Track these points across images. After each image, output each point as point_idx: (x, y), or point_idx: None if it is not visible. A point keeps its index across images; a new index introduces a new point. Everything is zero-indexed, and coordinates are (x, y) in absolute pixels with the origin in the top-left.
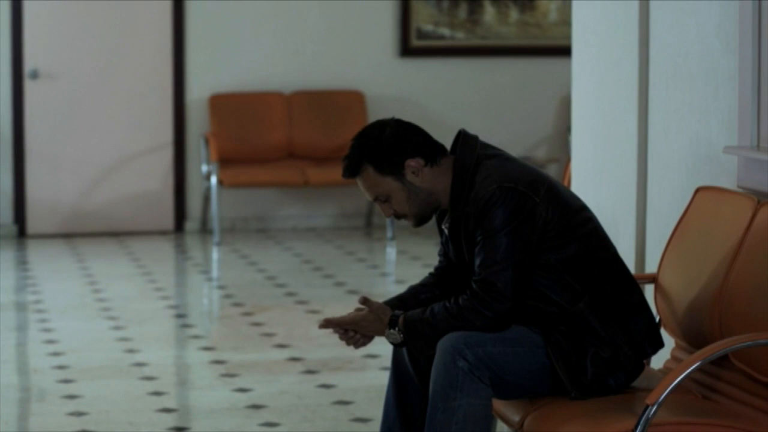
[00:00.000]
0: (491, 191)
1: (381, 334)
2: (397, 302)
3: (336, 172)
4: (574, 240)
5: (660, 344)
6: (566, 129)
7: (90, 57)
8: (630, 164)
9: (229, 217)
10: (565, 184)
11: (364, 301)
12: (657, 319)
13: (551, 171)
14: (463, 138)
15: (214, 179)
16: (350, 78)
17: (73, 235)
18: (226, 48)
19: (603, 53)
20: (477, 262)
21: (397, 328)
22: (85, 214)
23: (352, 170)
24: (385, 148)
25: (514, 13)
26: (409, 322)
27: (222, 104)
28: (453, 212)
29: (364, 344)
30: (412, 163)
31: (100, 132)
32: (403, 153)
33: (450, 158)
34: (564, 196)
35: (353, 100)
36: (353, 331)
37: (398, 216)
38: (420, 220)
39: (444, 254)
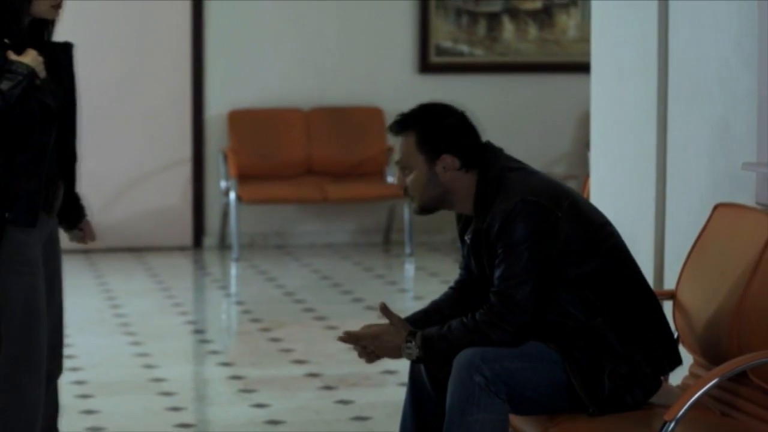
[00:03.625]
0: (514, 204)
1: (399, 349)
2: (419, 317)
3: (354, 189)
4: (595, 255)
5: (678, 362)
6: (585, 145)
7: (109, 73)
8: (649, 181)
9: (247, 232)
10: None
11: (384, 308)
12: (675, 336)
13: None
14: (489, 150)
15: (232, 195)
16: (369, 94)
17: (92, 250)
18: (245, 64)
19: (622, 70)
20: (496, 274)
21: (413, 343)
22: (104, 230)
23: (399, 127)
24: (437, 131)
25: (533, 30)
26: (427, 338)
27: (241, 120)
28: (476, 223)
29: (378, 357)
30: (447, 159)
31: (119, 147)
32: (447, 146)
33: (475, 171)
34: (587, 210)
35: (372, 116)
36: (370, 347)
37: (406, 193)
38: (423, 210)
39: (465, 267)
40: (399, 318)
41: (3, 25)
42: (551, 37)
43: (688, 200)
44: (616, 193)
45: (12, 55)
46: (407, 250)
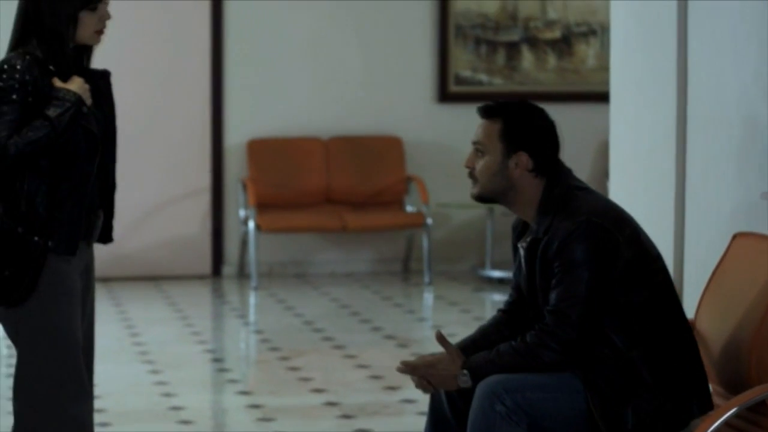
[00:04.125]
0: (578, 223)
1: (454, 378)
2: (467, 344)
3: (373, 218)
4: (646, 286)
5: (709, 407)
6: (604, 174)
7: (129, 102)
8: (668, 210)
9: (266, 261)
10: None
11: (440, 338)
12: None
13: None
14: (561, 165)
15: (251, 224)
16: (388, 123)
17: (111, 279)
18: (265, 93)
19: (641, 99)
20: (553, 294)
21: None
22: (123, 259)
23: (489, 111)
24: (524, 127)
25: (552, 60)
26: (475, 366)
27: (260, 149)
28: (534, 233)
29: (434, 388)
30: (523, 157)
31: (139, 176)
32: (527, 144)
33: (543, 179)
34: (645, 240)
35: (391, 145)
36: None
37: (471, 175)
38: (480, 196)
39: (515, 287)
40: (454, 347)
41: (49, 51)
42: (570, 67)
43: (706, 229)
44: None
45: (58, 82)
46: (426, 279)
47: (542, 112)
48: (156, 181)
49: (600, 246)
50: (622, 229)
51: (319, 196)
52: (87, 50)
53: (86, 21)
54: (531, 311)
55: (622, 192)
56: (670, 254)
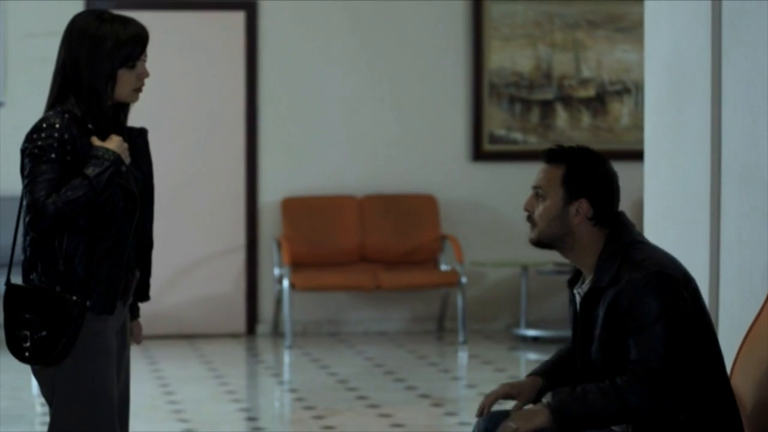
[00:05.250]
0: (650, 274)
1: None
2: (550, 367)
3: (408, 276)
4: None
5: None
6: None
7: (164, 161)
8: (702, 268)
9: (300, 320)
10: None
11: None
12: None
13: None
14: (623, 217)
15: (286, 282)
16: (423, 182)
17: (146, 337)
18: (299, 152)
19: (675, 157)
20: (633, 352)
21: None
22: (158, 317)
23: (554, 156)
24: (587, 174)
25: (586, 118)
26: (560, 407)
27: (294, 208)
28: (597, 281)
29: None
30: (584, 204)
31: (174, 234)
32: (589, 192)
33: (604, 231)
34: (700, 297)
35: (425, 203)
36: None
37: (529, 218)
38: (539, 241)
39: (572, 339)
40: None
41: (88, 109)
42: (604, 125)
43: (742, 288)
44: None
45: (96, 141)
46: (460, 337)
47: (605, 160)
48: (191, 239)
49: (674, 298)
50: (688, 283)
51: (354, 255)
52: (124, 108)
53: (124, 79)
54: (579, 360)
55: None
56: None
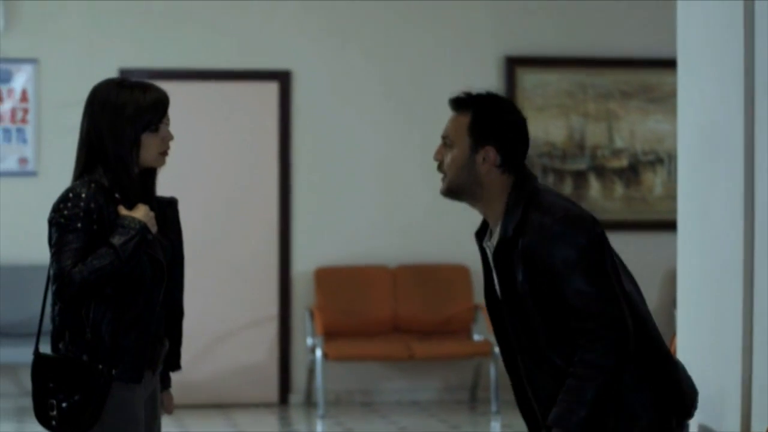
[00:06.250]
0: (560, 217)
1: None
2: None
3: (441, 346)
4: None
5: (686, 415)
6: (671, 303)
7: (197, 229)
8: (736, 338)
9: (333, 389)
10: None
11: None
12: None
13: None
14: (528, 168)
15: (319, 352)
16: (455, 252)
17: (178, 406)
18: (331, 221)
19: (708, 228)
20: (570, 315)
21: None
22: (191, 386)
23: (458, 104)
24: (493, 121)
25: (619, 188)
26: (559, 420)
27: (327, 277)
28: (504, 232)
29: None
30: (490, 153)
31: (206, 304)
32: (496, 139)
33: (512, 179)
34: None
35: (459, 274)
36: None
37: (439, 168)
38: (449, 191)
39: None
40: None
41: (115, 179)
42: (638, 195)
43: None
44: (703, 351)
45: (123, 210)
46: (493, 407)
47: (513, 106)
48: (223, 309)
49: (588, 237)
50: (596, 224)
51: (386, 325)
52: (152, 174)
53: (149, 143)
54: (506, 309)
55: (689, 321)
56: (737, 384)
